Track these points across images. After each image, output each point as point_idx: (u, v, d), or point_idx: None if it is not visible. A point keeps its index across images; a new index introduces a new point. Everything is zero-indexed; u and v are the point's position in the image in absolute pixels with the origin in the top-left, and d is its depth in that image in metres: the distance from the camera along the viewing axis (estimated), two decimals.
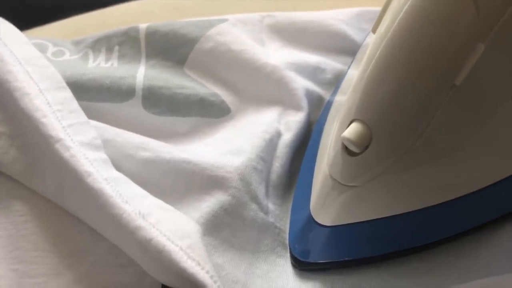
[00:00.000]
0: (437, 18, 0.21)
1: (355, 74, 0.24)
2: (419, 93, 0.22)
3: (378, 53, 0.22)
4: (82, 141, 0.26)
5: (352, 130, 0.22)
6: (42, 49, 0.34)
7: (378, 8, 0.24)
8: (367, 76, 0.22)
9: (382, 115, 0.22)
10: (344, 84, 0.31)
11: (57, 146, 0.25)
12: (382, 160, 0.23)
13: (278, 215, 0.28)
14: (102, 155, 0.26)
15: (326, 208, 0.25)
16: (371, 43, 0.23)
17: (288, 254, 0.26)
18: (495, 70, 0.22)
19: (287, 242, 0.27)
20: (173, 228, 0.23)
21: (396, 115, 0.22)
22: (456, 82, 0.21)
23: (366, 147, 0.22)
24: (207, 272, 0.22)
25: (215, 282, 0.22)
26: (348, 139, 0.22)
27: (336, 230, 0.25)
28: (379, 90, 0.22)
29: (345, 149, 0.23)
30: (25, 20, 0.38)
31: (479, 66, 0.21)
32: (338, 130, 0.24)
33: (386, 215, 0.24)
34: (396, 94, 0.22)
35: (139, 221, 0.23)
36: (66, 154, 0.25)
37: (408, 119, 0.22)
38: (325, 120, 0.30)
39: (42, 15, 0.44)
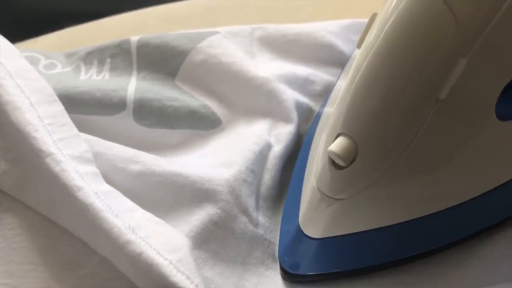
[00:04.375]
0: (420, 34, 0.21)
1: (342, 86, 0.25)
2: (404, 107, 0.22)
3: (363, 68, 0.22)
4: (72, 154, 0.26)
5: (338, 144, 0.22)
6: (34, 62, 0.34)
7: (367, 20, 0.25)
8: (352, 90, 0.23)
9: (368, 130, 0.22)
10: (333, 95, 0.32)
11: (48, 160, 0.25)
12: (369, 174, 0.23)
13: (268, 228, 0.28)
14: (93, 169, 0.26)
15: (315, 220, 0.25)
16: (356, 58, 0.23)
17: (278, 267, 0.26)
18: (477, 85, 0.22)
19: (277, 254, 0.27)
20: (162, 242, 0.23)
21: (381, 130, 0.22)
22: (440, 96, 0.21)
23: (353, 161, 0.23)
24: (197, 286, 0.22)
25: None
26: (334, 153, 0.22)
27: (324, 242, 0.25)
28: (364, 104, 0.22)
29: (332, 162, 0.24)
30: (17, 32, 0.38)
31: (462, 80, 0.21)
32: (325, 143, 0.24)
33: (374, 227, 0.24)
34: (381, 109, 0.22)
35: (129, 235, 0.23)
36: (57, 168, 0.25)
37: (393, 133, 0.22)
38: (315, 132, 0.30)
39: (35, 27, 0.44)
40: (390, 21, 0.21)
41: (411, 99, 0.22)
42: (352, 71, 0.23)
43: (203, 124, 0.32)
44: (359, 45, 0.24)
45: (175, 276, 0.22)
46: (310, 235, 0.25)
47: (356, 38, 0.35)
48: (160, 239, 0.23)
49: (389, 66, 0.22)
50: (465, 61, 0.21)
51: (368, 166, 0.23)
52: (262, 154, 0.29)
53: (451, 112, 0.22)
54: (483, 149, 0.23)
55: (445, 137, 0.22)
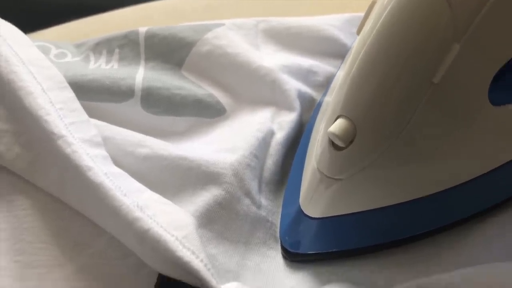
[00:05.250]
0: (415, 20, 0.22)
1: (341, 75, 0.25)
2: (400, 90, 0.23)
3: (361, 53, 0.23)
4: (83, 138, 0.27)
5: (338, 126, 0.23)
6: (45, 51, 0.35)
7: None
8: (351, 75, 0.23)
9: (366, 112, 0.23)
10: (333, 85, 0.33)
11: (59, 142, 0.26)
12: (366, 154, 0.24)
13: (271, 210, 0.29)
14: (102, 152, 0.27)
15: (314, 200, 0.26)
16: (356, 44, 0.24)
17: (279, 247, 0.27)
18: (471, 69, 0.23)
19: (278, 235, 0.27)
20: (169, 220, 0.24)
21: (378, 112, 0.23)
22: (434, 80, 0.22)
23: (351, 142, 0.23)
24: (202, 260, 0.23)
25: (208, 270, 0.23)
26: (333, 134, 0.23)
27: (324, 222, 0.26)
28: (362, 88, 0.23)
29: (332, 143, 0.24)
30: (28, 24, 0.39)
31: (456, 65, 0.22)
32: (325, 126, 0.25)
33: (372, 208, 0.25)
34: (378, 92, 0.23)
35: (137, 213, 0.24)
36: (68, 150, 0.26)
37: (390, 115, 0.23)
38: (316, 120, 0.31)
39: (40, 20, 0.45)
40: (388, 9, 0.22)
41: (407, 82, 0.22)
42: (351, 58, 0.24)
43: (208, 112, 0.33)
44: (358, 32, 0.25)
45: (181, 251, 0.23)
46: (310, 215, 0.26)
47: None
48: (167, 218, 0.24)
49: (387, 52, 0.22)
50: (459, 46, 0.21)
51: (366, 147, 0.24)
52: (265, 141, 0.30)
53: (445, 95, 0.23)
54: (476, 132, 0.24)
55: (440, 120, 0.23)
